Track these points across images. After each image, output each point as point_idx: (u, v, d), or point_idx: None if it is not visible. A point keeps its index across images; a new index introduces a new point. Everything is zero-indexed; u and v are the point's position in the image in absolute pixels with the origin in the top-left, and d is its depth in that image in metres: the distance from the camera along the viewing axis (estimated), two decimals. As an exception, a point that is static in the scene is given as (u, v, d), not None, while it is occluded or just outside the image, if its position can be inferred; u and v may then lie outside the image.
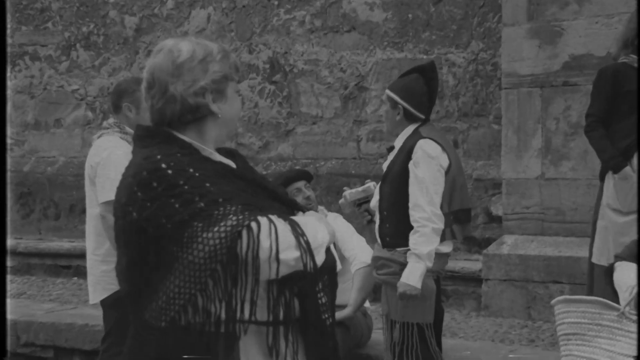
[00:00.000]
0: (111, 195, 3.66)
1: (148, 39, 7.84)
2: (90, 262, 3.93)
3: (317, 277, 1.89)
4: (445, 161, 3.71)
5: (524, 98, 5.85)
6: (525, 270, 5.68)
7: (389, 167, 3.79)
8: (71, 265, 7.48)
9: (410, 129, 3.78)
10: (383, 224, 3.77)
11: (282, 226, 1.84)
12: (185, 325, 1.82)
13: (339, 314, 4.23)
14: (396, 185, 3.71)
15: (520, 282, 5.69)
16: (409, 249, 3.64)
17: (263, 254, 1.80)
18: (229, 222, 1.79)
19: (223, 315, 1.82)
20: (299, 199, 4.43)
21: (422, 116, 3.77)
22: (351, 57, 7.07)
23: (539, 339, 5.17)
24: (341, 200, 4.06)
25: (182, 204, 1.80)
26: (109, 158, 3.79)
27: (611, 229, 4.38)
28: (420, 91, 3.76)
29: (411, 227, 3.64)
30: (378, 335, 4.40)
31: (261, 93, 7.42)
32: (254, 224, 1.80)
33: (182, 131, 1.93)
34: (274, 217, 1.84)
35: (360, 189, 4.01)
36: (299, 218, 1.92)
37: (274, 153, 7.39)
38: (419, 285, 3.59)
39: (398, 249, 3.70)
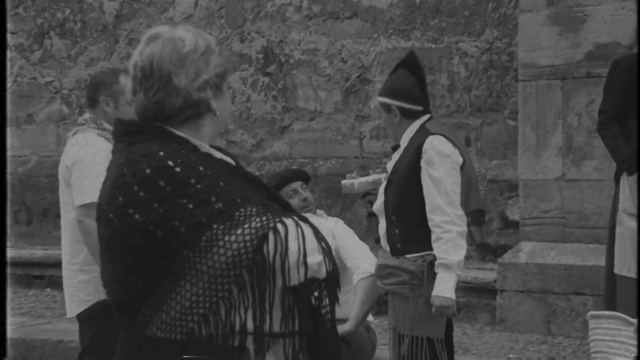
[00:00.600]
0: (89, 198, 3.67)
1: (129, 26, 7.84)
2: (66, 272, 3.93)
3: (338, 284, 1.93)
4: (459, 158, 3.72)
5: (542, 91, 5.86)
6: (545, 281, 5.69)
7: (394, 167, 3.81)
8: (44, 275, 7.48)
9: (415, 126, 3.80)
10: (391, 230, 3.78)
11: (307, 228, 1.87)
12: (207, 337, 1.82)
13: (340, 329, 4.21)
14: (404, 187, 3.73)
15: (538, 293, 5.70)
16: (420, 256, 3.66)
17: (292, 257, 1.83)
18: (253, 224, 1.81)
19: (250, 326, 1.84)
20: (295, 202, 4.44)
21: (420, 107, 3.81)
22: (353, 47, 7.08)
23: (559, 356, 5.18)
24: (345, 182, 4.07)
25: (197, 205, 1.81)
26: (86, 157, 3.78)
27: (628, 235, 4.37)
28: (408, 84, 3.81)
29: (423, 232, 3.66)
30: (383, 352, 4.42)
31: (254, 86, 7.42)
32: (280, 226, 1.82)
33: (177, 128, 1.94)
34: (297, 219, 1.87)
35: (370, 179, 4.03)
36: (314, 221, 1.96)
37: (268, 152, 7.39)
38: (453, 295, 3.60)
39: (408, 256, 3.71)
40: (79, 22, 8.07)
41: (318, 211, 4.58)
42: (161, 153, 1.86)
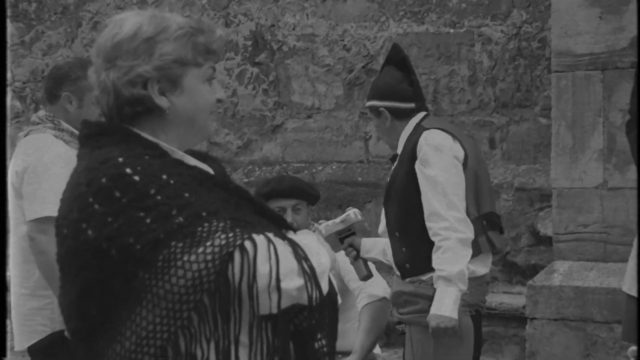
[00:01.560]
0: (42, 211, 3.65)
1: (94, 8, 7.83)
2: (16, 298, 3.91)
3: (324, 312, 1.95)
4: (459, 151, 3.75)
5: (580, 84, 5.84)
6: (583, 307, 5.66)
7: (391, 178, 3.85)
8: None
9: (409, 127, 3.84)
10: (397, 249, 3.80)
11: (282, 247, 1.88)
12: None
13: (342, 363, 4.28)
14: (404, 197, 3.75)
15: (576, 322, 5.68)
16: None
17: (261, 281, 1.83)
18: (217, 242, 1.83)
19: None
20: None
21: (412, 104, 3.85)
22: (357, 32, 7.08)
23: (600, 396, 5.17)
24: (315, 227, 4.13)
25: (155, 219, 1.83)
26: (40, 162, 3.77)
27: None
28: (394, 80, 3.86)
29: (432, 245, 3.66)
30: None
31: (241, 77, 7.42)
32: (248, 244, 1.84)
33: (138, 128, 1.97)
34: (271, 235, 1.88)
35: (338, 219, 4.08)
36: (297, 237, 1.97)
37: (257, 155, 7.40)
38: (454, 314, 3.60)
39: (423, 278, 3.73)
40: (34, 2, 8.06)
41: (317, 225, 4.52)
42: (120, 159, 1.88)
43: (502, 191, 6.47)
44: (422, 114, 3.86)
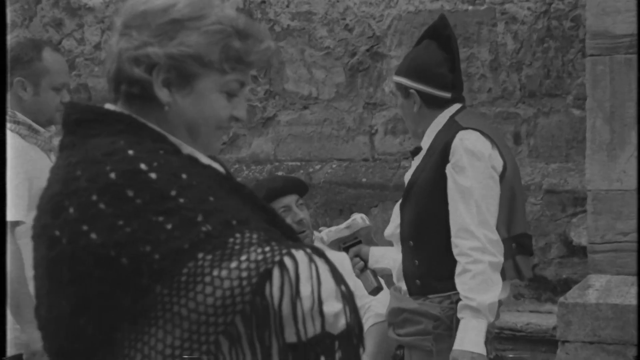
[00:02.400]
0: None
1: (57, -18, 7.82)
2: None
3: (362, 341, 1.96)
4: (497, 161, 3.78)
5: (619, 70, 5.83)
6: (623, 329, 5.66)
7: (413, 177, 3.86)
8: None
9: (441, 120, 3.86)
10: (408, 261, 3.82)
11: (322, 265, 1.88)
12: None
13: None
14: (426, 202, 3.78)
15: (614, 345, 5.69)
16: (447, 296, 3.72)
17: (306, 303, 1.84)
18: (253, 256, 1.82)
19: None
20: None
21: (448, 94, 3.86)
22: (361, 9, 7.08)
23: None
24: (317, 235, 4.21)
25: (177, 226, 1.83)
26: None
27: None
28: (434, 60, 3.87)
29: (451, 264, 3.70)
30: None
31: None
32: (288, 260, 1.83)
33: (140, 116, 1.98)
34: (310, 251, 1.88)
35: (342, 225, 4.11)
36: (330, 253, 2.03)
37: (245, 152, 7.41)
38: (482, 350, 3.64)
39: (431, 296, 3.77)
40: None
41: (318, 233, 4.54)
42: (130, 152, 1.88)
43: (529, 194, 6.46)
44: (457, 106, 3.88)
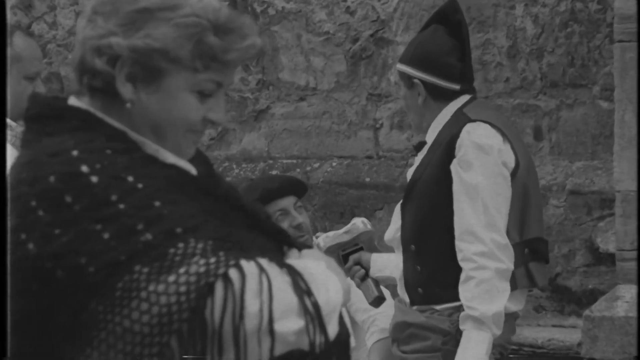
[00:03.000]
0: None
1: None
2: None
3: (345, 356, 1.99)
4: (509, 156, 3.80)
5: (651, 57, 5.81)
6: (656, 345, 5.64)
7: (415, 174, 3.88)
8: None
9: (448, 111, 3.87)
10: (410, 267, 3.83)
11: (279, 277, 1.88)
12: None
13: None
14: (430, 202, 3.80)
15: (646, 364, 5.67)
16: (455, 307, 3.74)
17: (250, 322, 1.83)
18: (194, 268, 1.83)
19: None
20: (285, 227, 4.40)
21: (457, 86, 3.88)
22: (364, -10, 7.08)
23: None
24: (315, 241, 4.19)
25: (115, 235, 1.84)
26: None
27: None
28: (442, 48, 3.89)
29: (457, 270, 3.72)
30: None
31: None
32: (234, 273, 1.83)
33: (103, 111, 1.98)
34: (264, 262, 1.87)
35: (341, 230, 4.13)
36: (299, 263, 1.97)
37: (235, 148, 7.42)
38: None
39: (438, 307, 3.79)
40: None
41: (317, 240, 4.54)
42: (74, 153, 1.89)
43: (550, 195, 6.51)
44: (466, 97, 3.90)
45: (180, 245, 1.84)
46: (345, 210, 6.88)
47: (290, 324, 1.86)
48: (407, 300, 3.84)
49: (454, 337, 3.72)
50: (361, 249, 4.07)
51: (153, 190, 1.89)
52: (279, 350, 1.86)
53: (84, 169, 1.87)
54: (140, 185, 1.88)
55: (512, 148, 3.80)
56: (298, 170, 7.11)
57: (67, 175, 1.87)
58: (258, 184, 4.78)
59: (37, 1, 7.71)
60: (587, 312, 5.86)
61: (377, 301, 4.05)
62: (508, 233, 3.75)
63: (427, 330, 3.77)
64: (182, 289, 1.80)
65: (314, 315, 1.88)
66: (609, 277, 6.25)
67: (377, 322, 4.42)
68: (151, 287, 1.81)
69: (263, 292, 1.83)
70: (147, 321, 1.81)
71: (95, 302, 1.82)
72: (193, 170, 2.03)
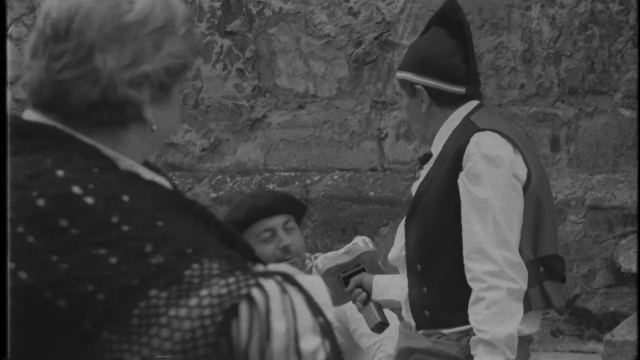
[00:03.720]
0: None
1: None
2: None
3: None
4: (521, 168, 3.82)
5: (678, 61, 5.84)
6: (682, 372, 5.64)
7: (420, 188, 3.91)
8: None
9: (454, 120, 3.89)
10: (416, 288, 3.85)
11: (297, 295, 1.91)
12: None
13: None
14: (436, 218, 3.84)
15: (673, 393, 5.66)
16: (464, 331, 3.77)
17: (278, 342, 1.86)
18: (216, 290, 1.85)
19: None
20: (270, 249, 4.50)
21: (462, 89, 3.90)
22: (367, -10, 7.08)
23: None
24: (314, 262, 4.22)
25: (123, 259, 1.85)
26: None
27: None
28: (444, 50, 3.92)
29: (466, 292, 3.75)
30: None
31: (206, 53, 7.47)
32: (256, 292, 1.86)
33: (82, 132, 1.98)
34: (280, 279, 1.91)
35: (342, 250, 4.15)
36: (304, 279, 2.00)
37: (229, 160, 7.44)
38: None
39: (445, 331, 3.82)
40: None
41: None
42: (59, 173, 1.90)
43: (569, 210, 6.54)
44: (473, 104, 3.91)
45: (195, 266, 1.86)
46: (347, 226, 6.92)
47: (310, 342, 1.88)
48: (413, 324, 3.85)
49: None
50: (363, 270, 4.08)
51: (152, 209, 1.91)
52: None
53: (76, 190, 1.87)
54: (138, 205, 1.90)
55: (524, 159, 3.82)
56: (297, 183, 7.14)
57: (59, 197, 1.87)
58: (244, 203, 4.74)
59: (15, 2, 7.73)
60: (607, 336, 5.89)
61: (380, 327, 4.07)
62: (521, 250, 3.75)
63: (434, 357, 3.80)
64: (206, 312, 1.83)
65: (327, 332, 1.91)
66: (631, 298, 6.27)
67: (383, 348, 4.44)
68: (172, 312, 1.82)
69: (287, 311, 1.86)
70: (170, 348, 1.83)
71: (108, 332, 1.83)
72: (169, 186, 2.04)
